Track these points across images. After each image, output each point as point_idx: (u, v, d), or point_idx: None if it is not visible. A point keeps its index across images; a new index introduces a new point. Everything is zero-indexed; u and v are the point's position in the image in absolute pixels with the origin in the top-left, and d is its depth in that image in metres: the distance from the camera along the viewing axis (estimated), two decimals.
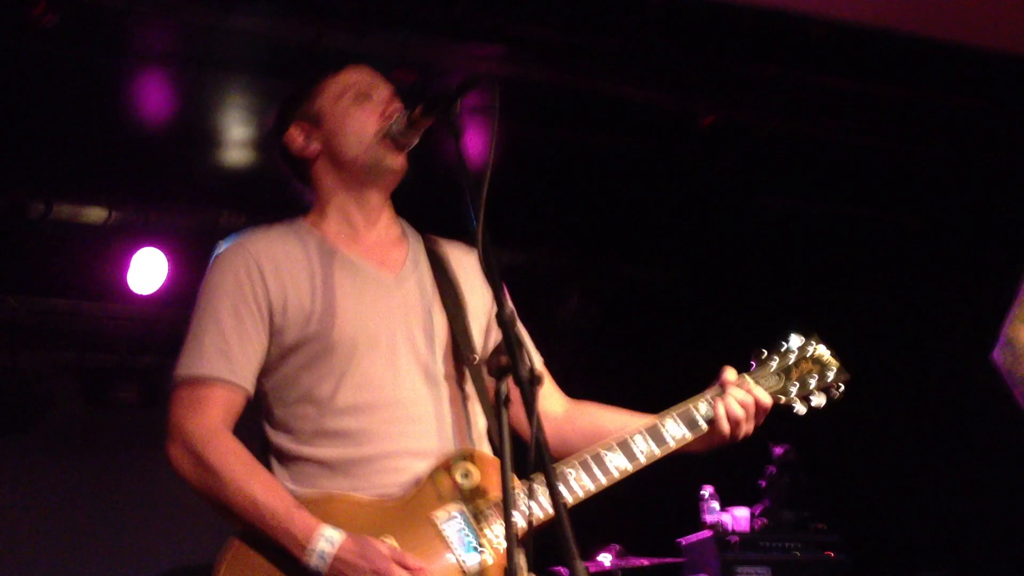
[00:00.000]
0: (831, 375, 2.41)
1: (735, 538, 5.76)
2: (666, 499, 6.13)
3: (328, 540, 2.07)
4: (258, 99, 5.32)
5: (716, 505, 6.05)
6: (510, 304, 2.29)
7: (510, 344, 1.90)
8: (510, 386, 1.90)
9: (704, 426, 2.30)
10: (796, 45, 5.31)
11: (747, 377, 2.36)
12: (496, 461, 2.20)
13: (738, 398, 2.30)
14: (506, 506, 1.80)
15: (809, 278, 6.89)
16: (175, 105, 5.40)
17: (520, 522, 2.03)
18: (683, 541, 6.01)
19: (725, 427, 2.30)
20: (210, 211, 6.21)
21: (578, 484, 2.20)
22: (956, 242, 6.59)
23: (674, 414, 2.31)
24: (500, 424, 1.87)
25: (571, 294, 7.36)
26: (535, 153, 5.95)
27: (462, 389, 2.37)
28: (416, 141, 2.39)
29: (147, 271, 6.31)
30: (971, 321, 6.46)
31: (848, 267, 6.98)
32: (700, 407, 2.32)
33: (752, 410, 2.31)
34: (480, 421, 2.36)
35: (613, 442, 2.26)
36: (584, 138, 6.00)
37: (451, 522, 2.16)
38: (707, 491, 6.09)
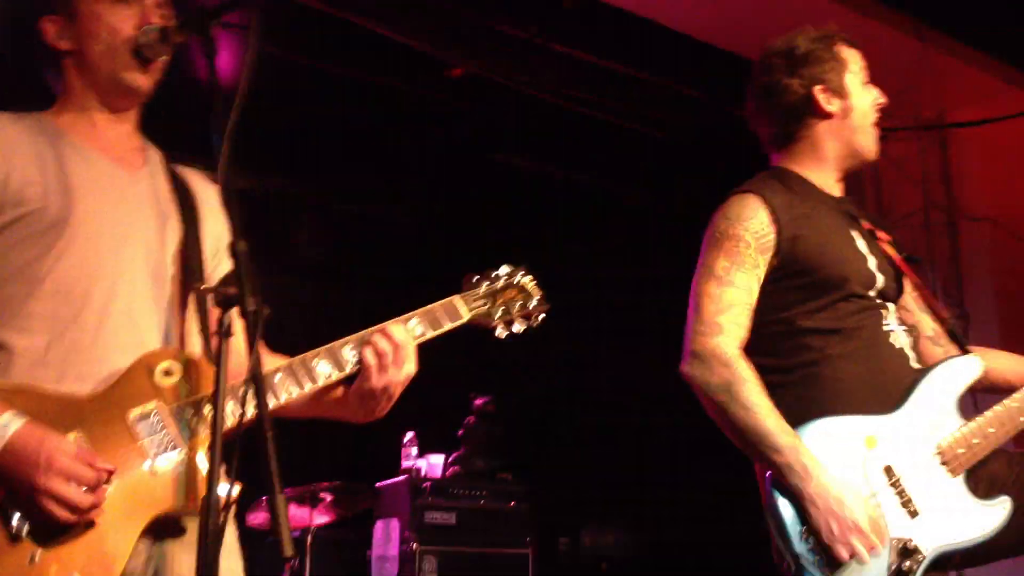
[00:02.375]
0: (533, 304, 2.50)
1: (427, 484, 5.91)
2: (369, 442, 6.21)
3: (3, 424, 1.95)
4: None
5: (415, 451, 6.20)
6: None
7: (240, 275, 1.88)
8: (233, 317, 1.88)
9: (349, 371, 2.29)
10: (550, 12, 5.46)
11: (388, 324, 2.33)
12: (202, 363, 2.16)
13: (378, 346, 2.28)
14: (214, 433, 1.81)
15: (534, 234, 7.13)
16: None
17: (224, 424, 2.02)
18: (379, 485, 6.12)
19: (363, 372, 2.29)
20: None
21: (284, 389, 2.18)
22: (672, 219, 6.99)
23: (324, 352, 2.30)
24: (220, 352, 1.85)
25: (303, 226, 7.28)
26: (285, 78, 5.83)
27: (183, 298, 2.30)
28: (166, 56, 2.29)
29: None
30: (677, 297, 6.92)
31: (572, 230, 7.28)
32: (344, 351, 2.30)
33: (389, 357, 2.27)
34: (195, 335, 2.29)
35: (321, 350, 2.26)
36: (334, 70, 5.92)
37: (145, 420, 2.07)
38: (408, 437, 6.22)
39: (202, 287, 2.24)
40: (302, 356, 2.24)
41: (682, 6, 5.57)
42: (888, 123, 6.69)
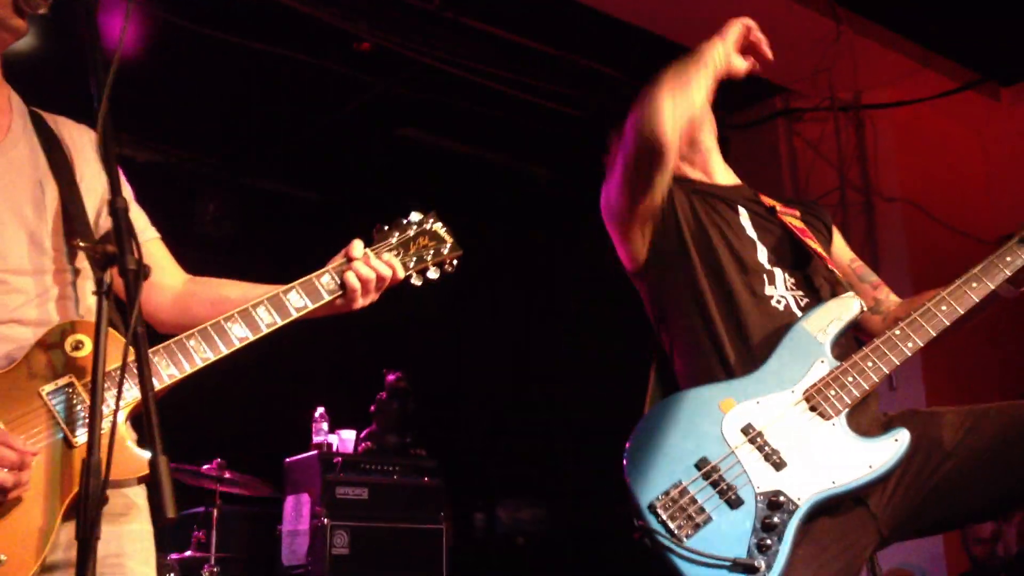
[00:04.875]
0: (446, 250, 2.48)
1: (339, 459, 5.88)
2: (279, 418, 6.18)
3: None
4: None
5: (325, 426, 6.16)
6: (126, 192, 2.23)
7: (119, 233, 1.84)
8: (114, 276, 1.84)
9: (326, 297, 2.31)
10: None
11: (369, 252, 2.37)
12: (112, 335, 2.07)
13: (361, 273, 2.32)
14: (94, 394, 1.76)
15: (440, 210, 7.10)
16: None
17: (135, 394, 2.02)
18: (288, 460, 6.08)
19: (348, 297, 2.32)
20: None
21: (199, 355, 2.15)
22: (580, 196, 7.06)
23: (297, 286, 2.30)
24: (99, 313, 1.82)
25: (209, 200, 7.17)
26: (193, 50, 5.74)
27: (72, 264, 2.24)
28: (43, 9, 2.22)
29: None
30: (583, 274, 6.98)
31: (480, 207, 7.28)
32: (323, 279, 2.32)
33: (373, 284, 2.33)
34: (90, 298, 2.23)
35: (235, 313, 2.22)
36: (243, 43, 5.84)
37: (60, 394, 2.04)
38: (318, 412, 6.18)
39: (80, 244, 2.20)
40: (219, 319, 2.20)
41: None
42: (804, 103, 6.86)
